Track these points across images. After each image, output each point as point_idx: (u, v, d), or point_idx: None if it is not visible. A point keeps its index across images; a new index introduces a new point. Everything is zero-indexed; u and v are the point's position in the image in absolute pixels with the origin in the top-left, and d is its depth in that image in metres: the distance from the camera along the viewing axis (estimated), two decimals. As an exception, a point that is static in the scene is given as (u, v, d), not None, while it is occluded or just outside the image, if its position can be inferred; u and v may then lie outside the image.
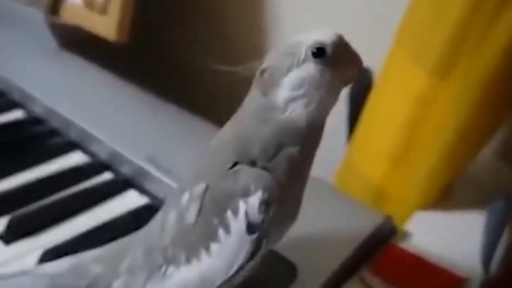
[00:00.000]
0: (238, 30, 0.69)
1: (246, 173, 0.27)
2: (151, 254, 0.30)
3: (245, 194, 0.27)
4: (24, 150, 0.52)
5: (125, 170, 0.48)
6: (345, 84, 0.28)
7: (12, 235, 0.40)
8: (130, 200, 0.46)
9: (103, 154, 0.50)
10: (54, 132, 0.54)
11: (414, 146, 0.45)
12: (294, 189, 0.29)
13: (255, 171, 0.27)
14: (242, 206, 0.27)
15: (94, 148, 0.51)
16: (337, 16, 0.58)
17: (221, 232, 0.28)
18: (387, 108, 0.48)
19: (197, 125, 0.52)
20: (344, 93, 0.59)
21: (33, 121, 0.56)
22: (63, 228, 0.42)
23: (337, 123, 0.60)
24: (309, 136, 0.28)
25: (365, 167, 0.50)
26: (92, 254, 0.34)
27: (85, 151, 0.52)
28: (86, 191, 0.46)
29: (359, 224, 0.41)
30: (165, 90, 0.60)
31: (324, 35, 0.27)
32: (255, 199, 0.27)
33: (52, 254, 0.38)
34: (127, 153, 0.48)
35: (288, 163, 0.27)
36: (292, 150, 0.27)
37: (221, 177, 0.28)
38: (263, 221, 0.27)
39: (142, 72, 0.72)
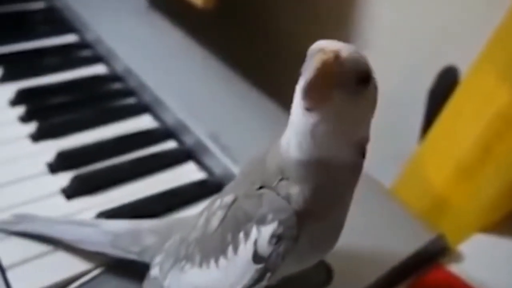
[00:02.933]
0: (327, 2, 0.67)
1: (269, 200, 0.26)
2: (181, 245, 0.31)
3: (261, 221, 0.26)
4: (99, 106, 0.54)
5: (188, 141, 0.49)
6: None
7: (75, 191, 0.43)
8: (188, 173, 0.47)
9: (170, 122, 0.51)
10: (129, 92, 0.56)
11: (487, 163, 0.42)
12: (320, 229, 0.27)
13: (278, 201, 0.26)
14: (254, 232, 0.27)
15: (163, 114, 0.52)
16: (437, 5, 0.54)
17: (230, 250, 0.27)
18: (466, 116, 0.45)
19: (267, 107, 0.52)
20: (425, 90, 0.56)
21: (112, 78, 0.59)
22: (121, 191, 0.44)
23: (412, 120, 0.58)
24: (310, 173, 0.26)
25: (432, 172, 0.47)
26: (149, 224, 0.36)
27: (154, 115, 0.53)
28: (148, 157, 0.48)
29: (408, 238, 0.39)
30: (246, 60, 0.60)
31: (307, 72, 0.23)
32: (268, 229, 0.26)
33: (106, 216, 0.41)
34: (192, 125, 0.49)
35: (300, 200, 0.26)
36: (300, 187, 0.26)
37: (247, 196, 0.28)
38: (271, 254, 0.26)
39: (226, 40, 0.72)
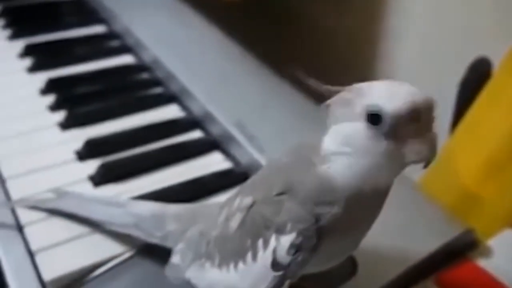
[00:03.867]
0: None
1: (289, 209, 0.26)
2: (201, 238, 0.31)
3: (280, 230, 0.26)
4: (126, 96, 0.55)
5: (215, 131, 0.49)
6: (408, 162, 0.24)
7: (102, 178, 0.44)
8: (214, 163, 0.47)
9: (197, 112, 0.51)
10: (157, 82, 0.57)
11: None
12: (341, 242, 0.27)
13: (298, 211, 0.26)
14: (273, 241, 0.26)
15: (190, 104, 0.52)
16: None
17: (249, 255, 0.27)
18: (498, 108, 0.44)
19: (294, 98, 0.51)
20: (457, 82, 0.55)
21: (140, 68, 0.59)
22: (148, 179, 0.45)
23: (443, 112, 0.57)
24: (349, 200, 0.25)
25: (461, 166, 0.46)
26: (173, 210, 0.36)
27: (181, 105, 0.53)
28: (175, 147, 0.48)
29: (436, 232, 0.38)
30: (274, 50, 0.60)
31: (389, 99, 0.23)
32: (287, 240, 0.26)
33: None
34: (218, 114, 0.49)
35: (331, 220, 0.25)
36: (333, 210, 0.25)
37: (266, 201, 0.27)
38: (289, 264, 0.26)
39: (253, 31, 0.72)
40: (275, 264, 0.26)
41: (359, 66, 0.67)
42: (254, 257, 0.27)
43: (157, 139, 0.49)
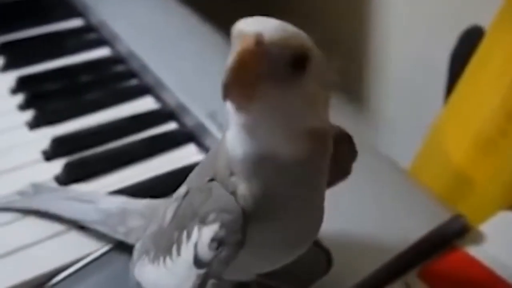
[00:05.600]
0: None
1: (216, 196, 0.23)
2: (145, 236, 0.29)
3: (203, 221, 0.23)
4: (100, 89, 0.52)
5: (189, 122, 0.47)
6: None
7: (67, 178, 0.41)
8: (188, 154, 0.44)
9: (171, 103, 0.49)
10: (132, 74, 0.54)
11: (510, 133, 0.38)
12: (276, 231, 0.23)
13: (225, 198, 0.22)
14: (195, 233, 0.23)
15: (164, 95, 0.50)
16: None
17: (174, 249, 0.25)
18: (486, 80, 0.41)
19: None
20: (448, 51, 0.52)
21: (116, 60, 0.57)
22: (119, 174, 0.42)
23: (436, 85, 0.53)
24: (256, 170, 0.22)
25: (451, 145, 0.43)
26: (138, 206, 0.34)
27: (156, 97, 0.51)
28: (149, 139, 0.46)
29: (422, 219, 0.35)
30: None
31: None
32: (208, 232, 0.23)
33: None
34: (192, 106, 0.46)
35: (251, 198, 0.22)
36: (247, 184, 0.22)
37: (199, 189, 0.24)
38: (212, 260, 0.23)
39: (235, 15, 0.69)
40: (197, 260, 0.23)
41: (349, 36, 0.64)
42: (179, 251, 0.24)
43: (130, 133, 0.46)
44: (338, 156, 0.25)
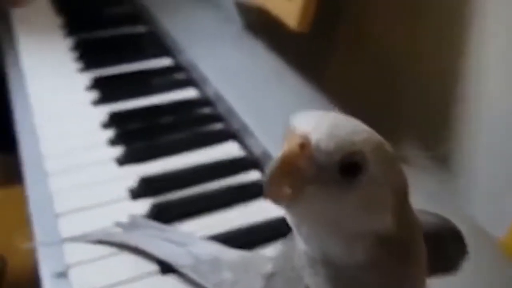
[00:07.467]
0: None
1: None
2: None
3: None
4: (187, 130, 0.53)
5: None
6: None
7: (153, 218, 0.42)
8: (272, 208, 0.44)
9: (256, 151, 0.49)
10: (218, 118, 0.55)
11: None
12: None
13: None
14: None
15: (250, 142, 0.50)
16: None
17: None
18: None
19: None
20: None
21: (203, 102, 0.57)
22: (205, 220, 0.43)
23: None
24: (317, 269, 0.21)
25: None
26: (230, 257, 0.34)
27: (241, 143, 0.51)
28: (234, 188, 0.46)
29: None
30: (345, 83, 0.56)
31: None
32: None
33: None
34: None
35: None
36: (314, 280, 0.22)
37: (281, 277, 0.24)
38: None
39: (322, 63, 0.68)
40: None
41: (437, 93, 0.61)
42: None
43: (214, 178, 0.46)
44: (442, 252, 0.23)
